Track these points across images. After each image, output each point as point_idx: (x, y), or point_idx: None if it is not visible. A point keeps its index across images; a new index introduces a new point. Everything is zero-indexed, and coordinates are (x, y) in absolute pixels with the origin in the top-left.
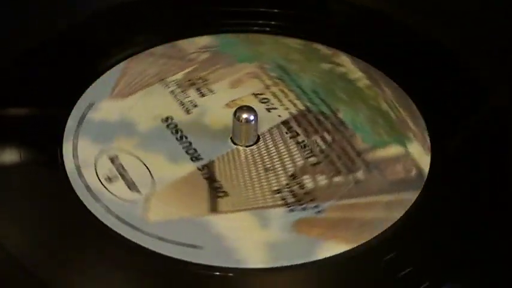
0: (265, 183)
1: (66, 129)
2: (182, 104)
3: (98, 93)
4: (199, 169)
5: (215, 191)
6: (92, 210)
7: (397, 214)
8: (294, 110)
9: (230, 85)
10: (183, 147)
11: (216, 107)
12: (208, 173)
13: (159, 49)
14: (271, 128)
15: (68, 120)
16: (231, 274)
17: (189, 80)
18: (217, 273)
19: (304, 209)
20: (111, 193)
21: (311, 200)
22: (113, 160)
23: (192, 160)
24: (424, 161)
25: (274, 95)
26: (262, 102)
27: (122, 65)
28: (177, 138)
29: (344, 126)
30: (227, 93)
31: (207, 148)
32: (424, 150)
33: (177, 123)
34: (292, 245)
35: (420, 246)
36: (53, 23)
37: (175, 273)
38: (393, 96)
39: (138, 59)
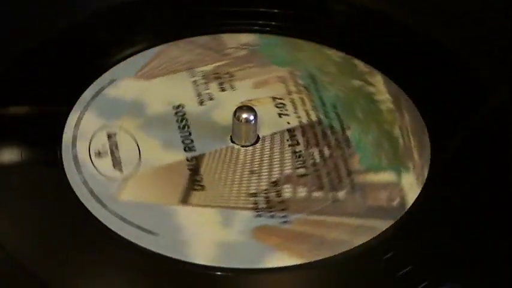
0: (245, 185)
1: (79, 100)
2: (199, 95)
3: (124, 72)
4: (187, 159)
5: (193, 184)
6: (70, 180)
7: (360, 240)
8: (304, 120)
9: (254, 85)
10: (181, 136)
11: (230, 103)
12: (195, 165)
13: (200, 39)
14: (275, 133)
15: (85, 92)
16: (178, 266)
17: (216, 73)
18: (163, 262)
19: (271, 216)
20: (95, 167)
21: (282, 210)
22: (110, 136)
23: (184, 150)
24: (412, 194)
25: (293, 102)
26: (277, 107)
27: (158, 48)
28: (179, 127)
29: (347, 144)
30: (247, 92)
31: (203, 141)
32: (416, 183)
33: (185, 112)
34: (244, 249)
35: (420, 246)
36: (53, 23)
37: (124, 255)
38: (410, 123)
39: (176, 45)
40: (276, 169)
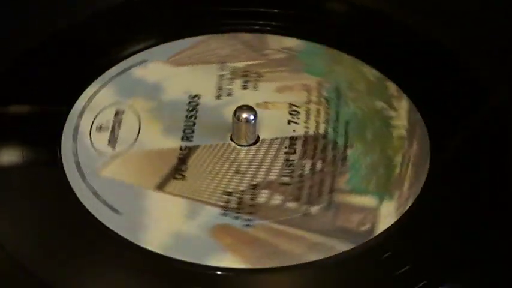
0: (225, 183)
1: (103, 74)
2: (220, 88)
3: (158, 55)
4: (180, 148)
5: (176, 172)
6: (62, 147)
7: (312, 257)
8: (311, 131)
9: (277, 89)
10: (185, 125)
11: (245, 102)
12: (185, 155)
13: (245, 35)
14: (276, 138)
15: (113, 68)
16: (127, 250)
17: (246, 71)
18: (116, 241)
19: (236, 217)
20: (91, 140)
21: (249, 213)
22: (117, 113)
23: (182, 139)
24: (385, 223)
25: (307, 112)
26: (290, 114)
27: (201, 37)
28: (186, 116)
29: (343, 162)
30: (268, 94)
31: (203, 134)
32: (394, 213)
33: (199, 103)
34: (195, 243)
35: (420, 246)
36: (53, 23)
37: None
38: (415, 153)
39: (219, 38)
40: (262, 173)
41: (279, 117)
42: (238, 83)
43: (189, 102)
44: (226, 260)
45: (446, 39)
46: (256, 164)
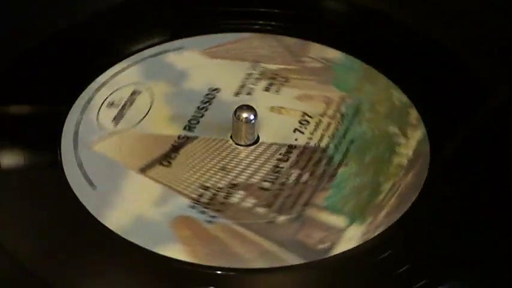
0: (206, 177)
1: (137, 54)
2: (242, 86)
3: (196, 44)
4: (178, 137)
5: (164, 159)
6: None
7: (257, 264)
8: (312, 143)
9: (298, 96)
10: (192, 115)
11: (262, 104)
12: (180, 144)
13: (288, 39)
14: (275, 144)
15: (148, 49)
16: (91, 223)
17: (275, 74)
18: (81, 214)
19: (202, 212)
20: (98, 113)
21: (216, 210)
22: (133, 93)
23: (184, 128)
24: (345, 245)
25: (318, 124)
26: (300, 123)
27: (244, 34)
28: (198, 107)
29: (330, 178)
30: (286, 100)
31: (207, 127)
32: (358, 238)
33: (215, 97)
34: (152, 229)
35: (420, 246)
36: (53, 23)
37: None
38: (407, 185)
39: (263, 38)
40: (246, 175)
41: (287, 124)
42: (263, 84)
43: (207, 94)
44: (175, 251)
45: (446, 39)
46: (245, 165)
